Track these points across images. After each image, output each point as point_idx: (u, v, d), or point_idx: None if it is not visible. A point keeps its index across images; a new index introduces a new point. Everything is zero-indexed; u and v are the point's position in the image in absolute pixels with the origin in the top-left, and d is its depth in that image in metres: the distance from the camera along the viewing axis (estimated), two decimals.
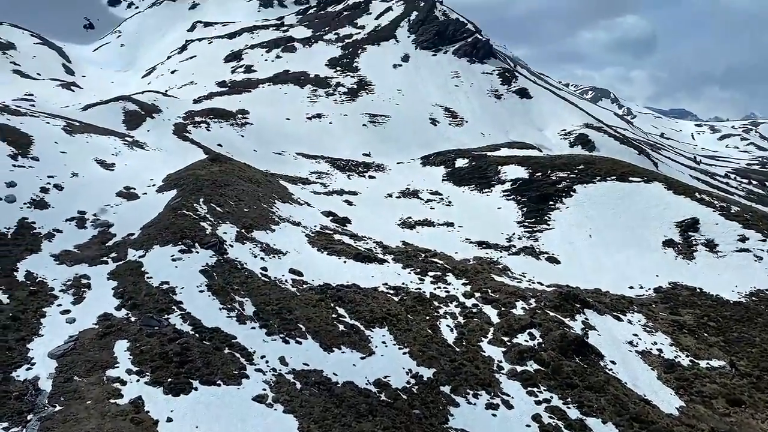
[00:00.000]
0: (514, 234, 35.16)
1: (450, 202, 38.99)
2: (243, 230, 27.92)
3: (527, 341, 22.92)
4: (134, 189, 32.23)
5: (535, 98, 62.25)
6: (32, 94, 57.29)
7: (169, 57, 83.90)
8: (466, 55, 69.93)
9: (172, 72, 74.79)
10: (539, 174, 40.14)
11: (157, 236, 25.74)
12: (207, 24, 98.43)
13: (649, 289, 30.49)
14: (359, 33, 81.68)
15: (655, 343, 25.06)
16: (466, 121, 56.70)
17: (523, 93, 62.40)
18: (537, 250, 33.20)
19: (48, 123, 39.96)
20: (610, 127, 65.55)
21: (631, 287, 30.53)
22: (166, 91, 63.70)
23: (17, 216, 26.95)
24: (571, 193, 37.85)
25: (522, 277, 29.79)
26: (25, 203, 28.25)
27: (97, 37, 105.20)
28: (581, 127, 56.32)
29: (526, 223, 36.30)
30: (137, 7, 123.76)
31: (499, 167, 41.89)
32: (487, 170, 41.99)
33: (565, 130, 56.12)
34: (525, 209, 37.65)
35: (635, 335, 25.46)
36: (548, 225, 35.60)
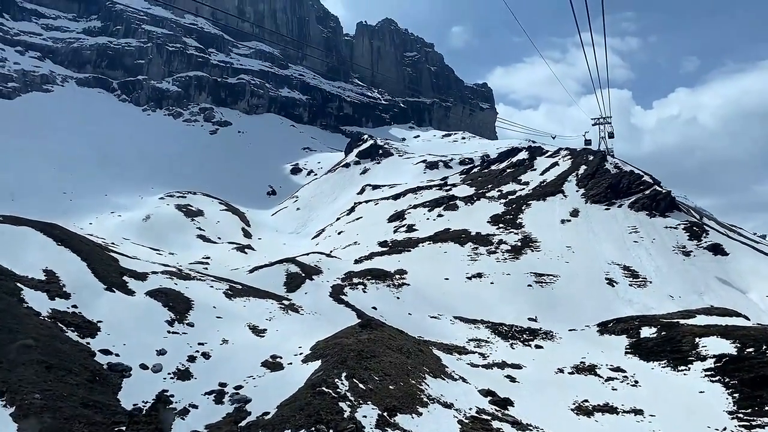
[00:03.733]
0: (725, 429, 27.50)
1: (636, 381, 32.29)
2: (385, 413, 24.20)
3: None
4: (280, 358, 30.39)
5: (731, 255, 53.80)
6: (209, 257, 61.02)
7: (338, 219, 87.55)
8: (645, 209, 63.92)
9: (339, 233, 77.16)
10: (751, 350, 32.29)
11: (290, 418, 22.90)
12: (375, 187, 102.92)
13: None
14: (523, 189, 79.55)
15: None
16: (650, 282, 49.79)
17: (716, 249, 54.32)
18: None
19: (212, 287, 40.79)
20: None
21: None
22: (331, 251, 64.84)
23: (159, 388, 25.88)
24: None
25: None
26: (169, 373, 27.34)
27: (277, 202, 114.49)
28: None
29: (740, 415, 28.43)
30: (315, 174, 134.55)
31: (697, 339, 34.64)
32: (682, 342, 34.89)
33: None
34: (737, 395, 29.82)
35: None
36: None
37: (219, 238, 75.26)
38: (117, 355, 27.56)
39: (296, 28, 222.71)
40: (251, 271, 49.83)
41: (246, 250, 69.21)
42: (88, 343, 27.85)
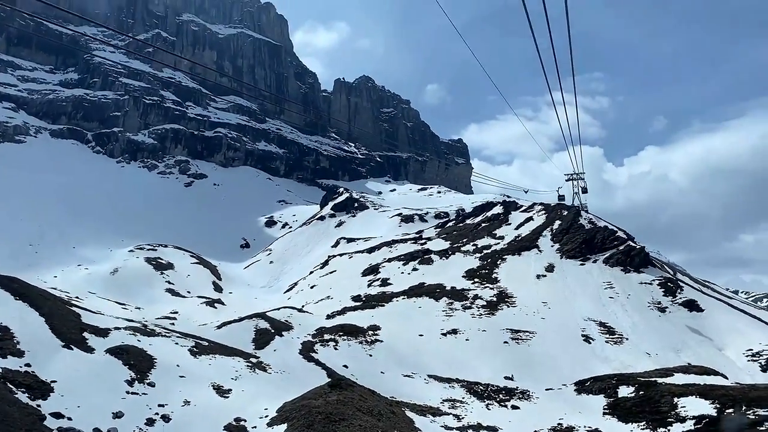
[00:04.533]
0: None
1: None
2: None
3: None
4: (244, 421, 28.89)
5: (707, 311, 53.59)
6: (176, 312, 59.18)
7: (311, 272, 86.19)
8: (619, 264, 63.97)
9: (312, 287, 75.75)
10: (731, 411, 31.58)
11: None
12: (350, 240, 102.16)
13: None
14: (498, 243, 79.44)
15: None
16: (627, 338, 49.17)
17: (691, 305, 54.16)
18: None
19: (177, 344, 39.25)
20: None
21: None
22: (303, 306, 63.42)
23: None
24: None
25: None
26: None
27: (251, 255, 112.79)
28: None
29: None
30: (290, 227, 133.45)
31: (675, 399, 33.86)
32: (660, 403, 34.06)
33: (751, 350, 46.39)
34: None
35: None
36: None
37: (188, 292, 73.31)
38: (69, 418, 25.89)
39: (274, 83, 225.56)
40: (219, 327, 48.23)
41: (216, 304, 67.33)
42: (39, 406, 26.17)
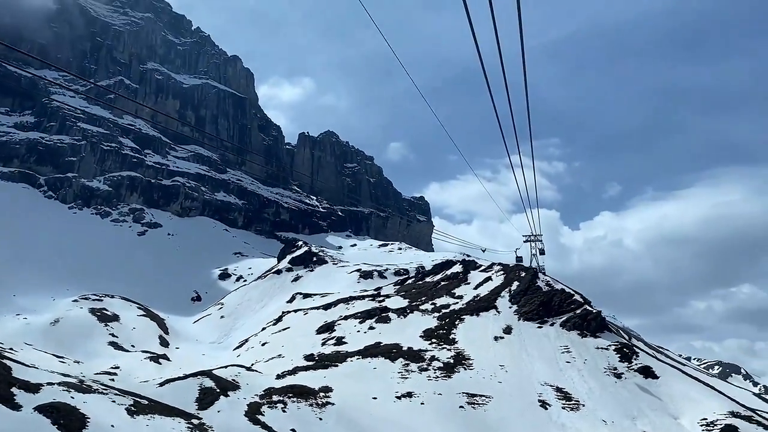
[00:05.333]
0: None
1: None
2: None
3: None
4: None
5: (661, 378, 53.19)
6: (118, 367, 56.18)
7: (263, 329, 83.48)
8: (576, 328, 63.60)
9: (263, 344, 73.07)
10: None
11: None
12: (306, 295, 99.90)
13: None
14: (457, 303, 78.63)
15: None
16: (583, 405, 48.21)
17: (647, 372, 53.74)
18: None
19: (114, 402, 36.80)
20: (755, 412, 53.86)
21: None
22: (252, 364, 60.92)
23: None
24: None
25: None
26: None
27: (201, 309, 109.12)
28: (726, 416, 45.85)
29: None
30: (245, 281, 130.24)
31: None
32: None
33: (706, 419, 45.83)
34: None
35: None
36: None
37: (133, 346, 69.83)
38: None
39: (237, 134, 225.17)
40: (161, 385, 45.72)
41: (160, 360, 64.14)
42: None
